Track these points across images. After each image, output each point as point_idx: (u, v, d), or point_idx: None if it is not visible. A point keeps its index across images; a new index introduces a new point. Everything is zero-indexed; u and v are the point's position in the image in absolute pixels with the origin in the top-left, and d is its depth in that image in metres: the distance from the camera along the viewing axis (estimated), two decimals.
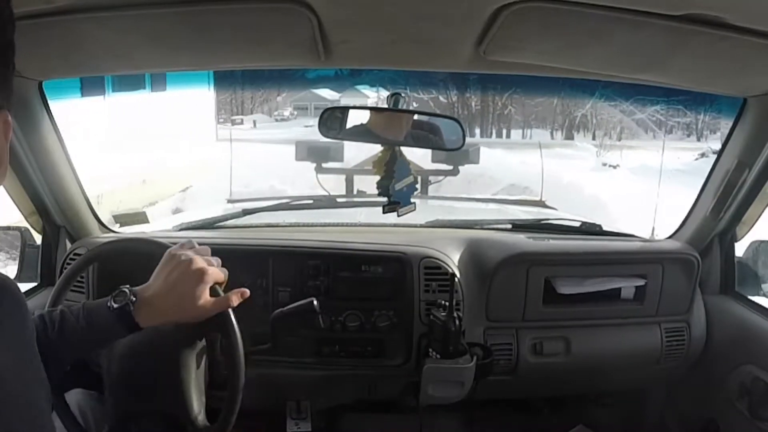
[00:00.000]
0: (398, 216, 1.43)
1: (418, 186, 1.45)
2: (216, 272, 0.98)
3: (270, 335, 1.30)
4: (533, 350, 1.50)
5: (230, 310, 1.09)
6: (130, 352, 1.12)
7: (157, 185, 7.47)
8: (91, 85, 6.96)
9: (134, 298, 0.93)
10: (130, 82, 7.68)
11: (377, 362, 1.46)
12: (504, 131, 16.72)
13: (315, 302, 1.28)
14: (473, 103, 17.64)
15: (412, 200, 1.45)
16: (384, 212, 1.43)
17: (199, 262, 0.96)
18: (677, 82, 1.20)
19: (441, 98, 17.40)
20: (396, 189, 1.39)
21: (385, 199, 1.43)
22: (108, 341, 0.99)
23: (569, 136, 14.87)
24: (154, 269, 1.10)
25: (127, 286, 0.94)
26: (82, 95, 6.88)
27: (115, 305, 0.92)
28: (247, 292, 1.02)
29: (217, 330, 1.10)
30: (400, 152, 1.41)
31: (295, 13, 0.88)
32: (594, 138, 14.22)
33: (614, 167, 10.97)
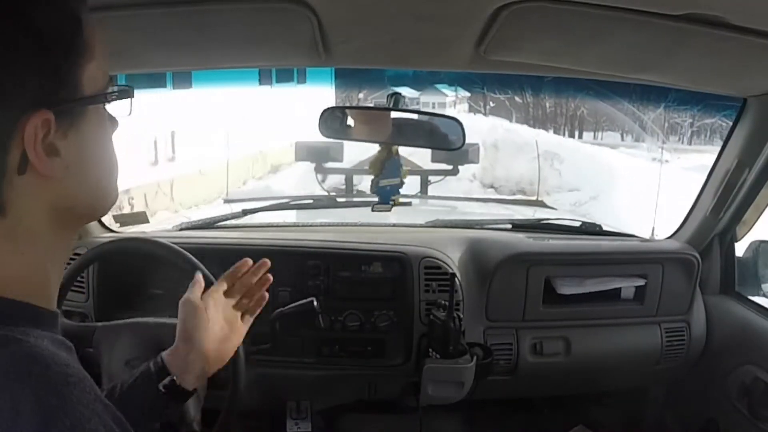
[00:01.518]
0: (372, 211, 1.43)
1: (401, 191, 1.45)
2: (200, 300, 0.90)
3: (270, 335, 1.30)
4: (533, 350, 1.50)
5: None
6: (132, 356, 1.11)
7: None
8: (264, 76, 8.17)
9: (174, 377, 0.85)
10: (284, 77, 9.17)
11: (377, 362, 1.46)
12: (576, 132, 17.03)
13: (315, 302, 1.28)
14: (547, 104, 17.97)
15: (411, 201, 1.45)
16: (372, 210, 1.42)
17: (218, 295, 0.92)
18: (677, 81, 1.20)
19: (516, 98, 17.70)
20: (380, 185, 1.40)
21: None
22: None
23: (639, 139, 15.26)
24: (154, 269, 1.10)
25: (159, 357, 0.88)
26: (260, 83, 8.11)
27: (164, 385, 0.84)
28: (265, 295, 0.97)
29: None
30: (396, 152, 1.42)
31: (295, 13, 0.88)
32: (666, 142, 14.67)
33: (665, 163, 11.32)
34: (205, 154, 6.40)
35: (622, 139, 14.94)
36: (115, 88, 0.56)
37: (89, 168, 0.53)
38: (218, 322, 0.90)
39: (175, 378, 0.85)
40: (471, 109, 17.25)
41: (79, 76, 0.50)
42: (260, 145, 8.47)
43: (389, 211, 1.44)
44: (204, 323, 0.87)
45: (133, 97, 0.58)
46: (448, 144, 1.36)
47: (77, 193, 0.53)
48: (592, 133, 16.75)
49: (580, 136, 16.02)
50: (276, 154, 9.11)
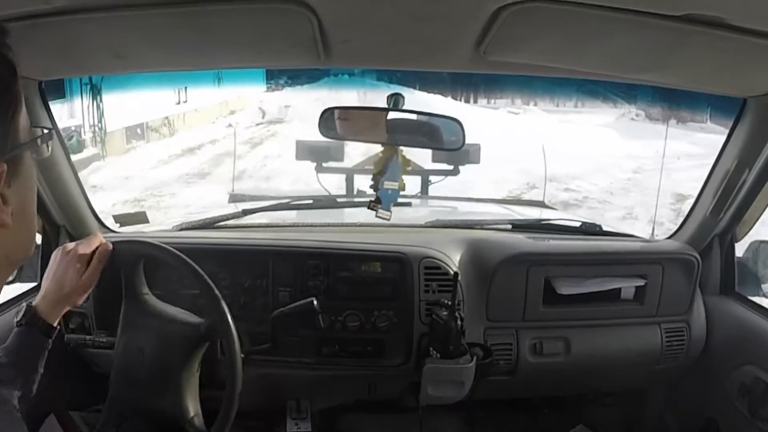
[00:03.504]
0: (368, 208, 1.42)
1: (399, 198, 1.44)
2: (84, 245, 1.09)
3: (270, 335, 1.30)
4: (533, 350, 1.50)
5: (228, 314, 1.09)
6: (137, 347, 1.11)
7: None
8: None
9: (33, 303, 1.04)
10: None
11: (377, 362, 1.46)
12: (471, 98, 18.14)
13: (315, 302, 1.28)
14: (445, 74, 18.98)
15: (411, 201, 1.44)
16: (368, 207, 1.41)
17: (68, 246, 1.08)
18: (677, 82, 1.20)
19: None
20: (383, 187, 1.39)
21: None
22: (37, 355, 1.01)
23: (527, 103, 17.14)
24: (153, 269, 1.10)
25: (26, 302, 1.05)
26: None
27: (20, 318, 1.01)
28: (108, 245, 1.11)
29: (220, 335, 1.10)
30: (399, 153, 1.41)
31: (295, 14, 0.88)
32: (557, 106, 17.01)
33: (516, 114, 15.38)
34: (199, 100, 12.73)
35: (513, 103, 16.91)
36: (40, 132, 0.58)
37: (27, 212, 0.55)
38: (60, 267, 1.07)
39: (29, 307, 1.02)
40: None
41: (17, 124, 0.52)
42: (224, 97, 14.30)
43: (388, 219, 1.43)
44: (52, 264, 1.08)
45: (52, 139, 0.61)
46: (448, 144, 1.36)
47: (19, 239, 0.55)
48: (485, 100, 18.14)
49: (476, 102, 17.44)
50: (234, 102, 15.00)
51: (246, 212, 1.75)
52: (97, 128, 9.95)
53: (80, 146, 9.69)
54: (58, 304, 1.05)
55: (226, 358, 1.09)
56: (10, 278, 1.49)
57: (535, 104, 16.52)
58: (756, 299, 1.54)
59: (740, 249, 1.59)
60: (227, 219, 1.71)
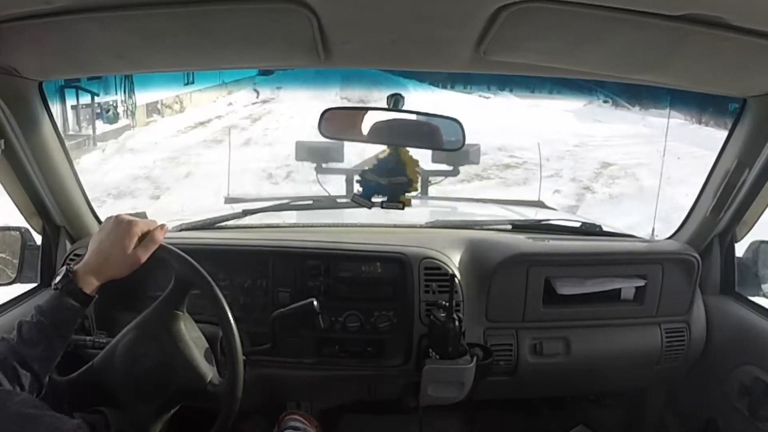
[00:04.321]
0: (381, 207, 1.41)
1: (413, 192, 1.43)
2: (143, 223, 1.06)
3: (270, 336, 1.30)
4: (533, 351, 1.50)
5: (228, 309, 1.09)
6: (142, 351, 1.10)
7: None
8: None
9: (73, 268, 1.03)
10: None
11: (377, 363, 1.46)
12: (448, 84, 18.78)
13: (315, 303, 1.28)
14: None
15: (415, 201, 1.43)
16: (383, 207, 1.40)
17: (125, 218, 1.06)
18: (677, 82, 1.20)
19: None
20: (383, 184, 1.38)
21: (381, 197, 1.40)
22: (67, 321, 1.02)
23: (502, 88, 18.45)
24: (154, 271, 1.09)
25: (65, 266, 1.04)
26: None
27: (57, 281, 1.01)
28: (166, 226, 1.10)
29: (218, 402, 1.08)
30: (399, 152, 1.41)
31: (295, 14, 0.88)
32: (533, 92, 17.84)
33: (487, 98, 16.85)
34: (204, 81, 14.39)
35: (489, 89, 18.49)
36: None
37: None
38: (110, 236, 1.05)
39: (69, 271, 1.01)
40: None
41: None
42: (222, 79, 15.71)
43: (401, 209, 1.42)
44: (102, 231, 1.06)
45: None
46: (447, 145, 1.36)
47: None
48: (462, 85, 19.11)
49: (453, 87, 18.55)
50: (231, 84, 16.37)
51: (246, 213, 1.75)
52: (128, 103, 11.67)
53: (116, 118, 11.20)
54: (98, 273, 1.03)
55: (227, 360, 1.09)
56: (10, 278, 1.50)
57: (511, 90, 17.75)
58: (756, 299, 1.54)
59: (740, 249, 1.59)
60: (227, 219, 1.71)
